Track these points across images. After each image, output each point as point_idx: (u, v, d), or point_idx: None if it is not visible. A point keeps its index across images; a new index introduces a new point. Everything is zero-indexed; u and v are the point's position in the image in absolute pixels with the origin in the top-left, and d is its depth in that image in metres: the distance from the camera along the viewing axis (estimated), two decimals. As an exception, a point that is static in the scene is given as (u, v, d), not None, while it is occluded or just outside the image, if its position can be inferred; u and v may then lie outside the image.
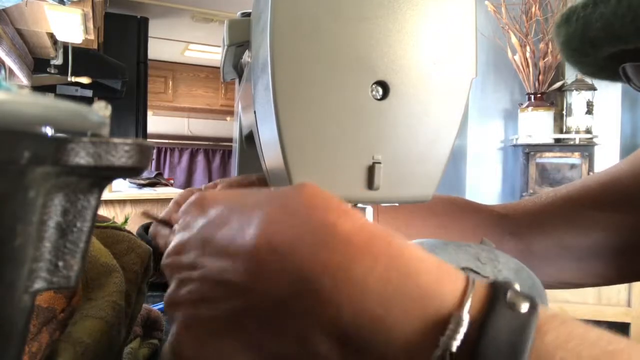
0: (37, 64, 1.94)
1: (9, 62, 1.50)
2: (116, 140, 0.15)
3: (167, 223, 0.44)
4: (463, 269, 0.33)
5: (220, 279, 0.23)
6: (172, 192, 2.43)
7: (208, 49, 4.32)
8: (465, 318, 0.19)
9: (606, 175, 0.51)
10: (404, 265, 0.20)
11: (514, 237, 0.54)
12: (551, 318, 0.20)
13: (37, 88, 2.09)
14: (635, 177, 0.49)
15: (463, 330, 0.19)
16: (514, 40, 1.90)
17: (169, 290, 0.25)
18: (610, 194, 0.50)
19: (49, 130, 0.14)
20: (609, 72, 0.42)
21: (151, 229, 0.45)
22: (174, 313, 0.25)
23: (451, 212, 0.55)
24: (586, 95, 1.91)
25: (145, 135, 3.35)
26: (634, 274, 0.52)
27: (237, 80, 0.55)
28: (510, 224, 0.55)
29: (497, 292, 0.20)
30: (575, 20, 0.38)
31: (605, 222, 0.50)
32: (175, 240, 0.26)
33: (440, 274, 0.21)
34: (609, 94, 2.02)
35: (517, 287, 0.22)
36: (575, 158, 1.90)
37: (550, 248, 0.53)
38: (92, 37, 1.62)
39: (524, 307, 0.20)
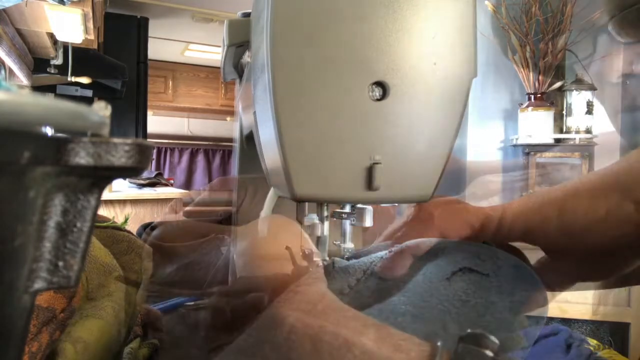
0: (37, 64, 1.94)
1: (9, 62, 1.50)
2: (116, 140, 0.15)
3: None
4: (462, 269, 0.33)
5: None
6: (172, 192, 2.43)
7: (208, 49, 4.32)
8: None
9: (596, 175, 0.51)
10: None
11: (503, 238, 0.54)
12: None
13: (37, 88, 2.09)
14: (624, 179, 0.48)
15: None
16: (514, 40, 1.90)
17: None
18: (598, 195, 0.50)
19: (49, 130, 0.14)
20: None
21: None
22: None
23: (446, 212, 0.55)
24: (586, 95, 1.91)
25: (145, 135, 3.35)
26: (623, 278, 0.52)
27: (237, 80, 0.55)
28: (499, 226, 0.55)
29: None
30: None
31: (591, 225, 0.50)
32: None
33: None
34: (609, 94, 2.02)
35: (494, 339, 0.22)
36: (575, 158, 1.90)
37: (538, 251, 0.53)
38: (92, 37, 1.62)
39: None
